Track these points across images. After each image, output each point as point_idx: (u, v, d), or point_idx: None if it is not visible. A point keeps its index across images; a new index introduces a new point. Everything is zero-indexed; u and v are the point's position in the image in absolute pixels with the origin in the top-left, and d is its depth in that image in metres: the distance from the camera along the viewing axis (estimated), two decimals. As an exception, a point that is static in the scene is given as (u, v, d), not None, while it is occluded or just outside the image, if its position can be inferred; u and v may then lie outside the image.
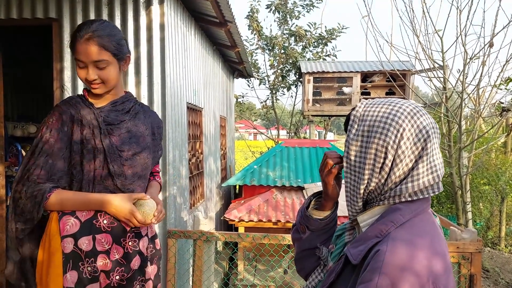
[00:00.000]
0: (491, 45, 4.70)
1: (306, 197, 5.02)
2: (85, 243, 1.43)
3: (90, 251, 1.43)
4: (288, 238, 2.85)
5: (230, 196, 6.87)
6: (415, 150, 0.88)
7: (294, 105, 9.19)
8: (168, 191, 3.00)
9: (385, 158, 0.88)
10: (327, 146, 5.95)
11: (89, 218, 1.46)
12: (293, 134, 9.32)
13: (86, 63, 1.42)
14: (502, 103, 4.27)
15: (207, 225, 3.03)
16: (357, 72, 7.19)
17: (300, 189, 5.23)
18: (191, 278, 2.99)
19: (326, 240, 1.12)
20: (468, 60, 4.77)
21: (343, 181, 1.04)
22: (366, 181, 0.90)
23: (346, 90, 7.15)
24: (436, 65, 5.20)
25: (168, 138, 3.05)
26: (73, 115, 1.47)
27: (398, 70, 6.09)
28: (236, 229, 4.69)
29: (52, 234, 1.45)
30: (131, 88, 2.98)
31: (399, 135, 0.87)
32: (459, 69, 4.92)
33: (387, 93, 7.47)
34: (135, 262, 1.54)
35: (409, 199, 0.89)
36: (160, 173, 2.95)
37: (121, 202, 1.45)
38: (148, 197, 1.54)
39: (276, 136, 9.37)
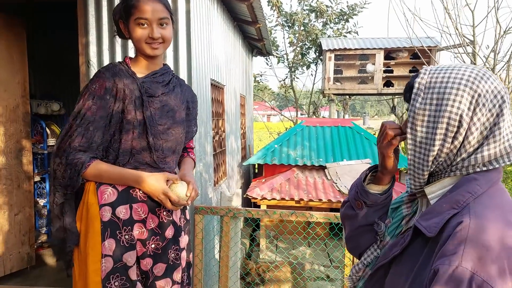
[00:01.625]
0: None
1: (328, 177, 4.97)
2: (122, 211, 1.42)
3: (127, 220, 1.43)
4: (316, 216, 2.82)
5: (250, 175, 6.87)
6: (490, 116, 0.81)
7: (314, 83, 9.01)
8: (195, 168, 2.98)
9: (459, 127, 0.81)
10: (349, 125, 5.83)
11: (126, 187, 1.45)
12: (311, 113, 9.18)
13: (150, 21, 1.41)
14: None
15: (234, 201, 3.01)
16: (381, 48, 6.95)
17: (322, 168, 5.17)
18: (217, 254, 3.00)
19: (383, 215, 1.06)
20: (502, 33, 4.53)
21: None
22: (435, 152, 0.84)
23: (369, 68, 6.94)
24: (466, 40, 4.97)
25: (194, 114, 3.01)
26: (116, 83, 1.44)
27: (424, 46, 5.86)
28: (258, 207, 4.69)
29: (90, 203, 1.44)
30: (156, 63, 2.92)
31: (474, 101, 0.80)
32: (488, 45, 4.68)
33: (410, 71, 7.23)
34: (169, 232, 1.53)
35: (484, 168, 0.82)
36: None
37: (156, 182, 1.43)
38: (179, 181, 1.52)
39: (295, 116, 9.25)
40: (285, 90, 8.87)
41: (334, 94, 7.10)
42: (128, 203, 1.44)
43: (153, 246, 1.48)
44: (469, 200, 0.79)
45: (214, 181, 3.90)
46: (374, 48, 6.94)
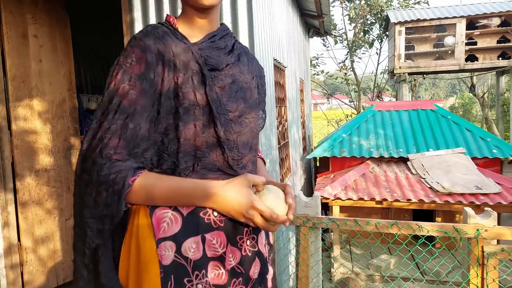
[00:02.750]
0: None
1: (412, 171, 4.15)
2: (192, 247, 0.92)
3: (200, 260, 0.92)
4: (427, 228, 2.10)
5: (310, 169, 6.19)
6: None
7: (378, 63, 8.04)
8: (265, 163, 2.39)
9: None
10: (432, 108, 4.92)
11: (193, 209, 0.94)
12: (375, 98, 8.22)
13: None
14: None
15: (313, 208, 2.38)
16: (462, 17, 5.87)
17: (403, 160, 4.36)
18: (293, 274, 2.41)
19: None
20: None
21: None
22: None
23: (448, 40, 5.90)
24: None
25: (258, 100, 2.41)
26: (162, 53, 0.93)
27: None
28: (328, 208, 4.03)
29: (142, 237, 0.93)
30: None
31: None
32: None
33: (498, 41, 6.07)
34: (255, 269, 1.04)
35: None
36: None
37: (237, 193, 0.91)
38: (265, 186, 0.96)
39: (357, 100, 8.33)
40: (345, 73, 7.99)
41: (407, 73, 6.16)
42: (200, 233, 0.93)
43: None
44: None
45: (280, 179, 3.29)
46: (454, 17, 5.88)
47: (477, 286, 2.08)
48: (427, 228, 2.12)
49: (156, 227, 0.90)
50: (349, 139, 4.73)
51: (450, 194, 3.54)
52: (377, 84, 8.29)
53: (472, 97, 8.70)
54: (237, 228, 0.98)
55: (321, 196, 3.81)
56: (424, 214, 4.18)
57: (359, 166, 4.36)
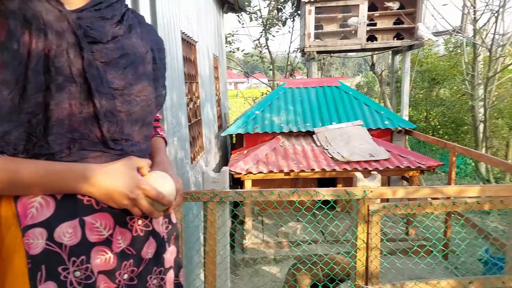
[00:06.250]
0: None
1: (317, 143, 4.46)
2: (68, 233, 0.85)
3: (78, 245, 0.86)
4: (323, 193, 2.31)
5: (227, 146, 6.27)
6: None
7: (291, 42, 8.31)
8: (168, 143, 2.35)
9: None
10: (336, 85, 5.30)
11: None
12: (288, 76, 8.54)
13: None
14: None
15: (220, 183, 2.44)
16: (364, -2, 6.32)
17: (309, 134, 4.66)
18: (202, 248, 2.46)
19: None
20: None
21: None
22: None
23: (351, 20, 6.33)
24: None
25: (161, 76, 2.33)
26: (29, 20, 0.82)
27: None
28: (241, 183, 4.15)
29: (4, 227, 0.84)
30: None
31: None
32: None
33: (395, 23, 6.70)
34: (148, 249, 1.01)
35: None
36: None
37: (121, 174, 0.87)
38: (153, 171, 0.96)
39: (272, 79, 8.56)
40: (260, 51, 8.12)
41: (315, 52, 6.49)
42: (77, 216, 0.86)
43: (125, 276, 0.94)
44: None
45: (191, 157, 3.28)
46: (357, -2, 6.30)
47: (363, 240, 2.37)
48: (323, 193, 2.33)
49: (22, 214, 0.81)
50: (262, 116, 4.88)
51: (348, 162, 3.91)
52: (290, 63, 8.61)
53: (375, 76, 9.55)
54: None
55: (234, 171, 3.91)
56: (328, 182, 4.56)
57: (271, 141, 4.55)
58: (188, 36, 3.24)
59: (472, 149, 4.60)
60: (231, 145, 6.28)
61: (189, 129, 3.26)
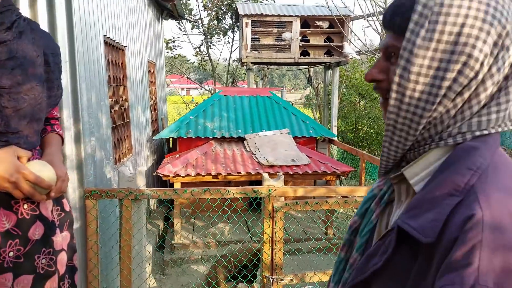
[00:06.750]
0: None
1: (247, 148, 4.71)
2: None
3: None
4: (232, 191, 2.52)
5: (164, 151, 6.32)
6: (508, 66, 0.56)
7: (231, 52, 8.59)
8: (84, 142, 2.42)
9: (472, 79, 0.54)
10: (268, 95, 5.62)
11: None
12: (230, 85, 8.79)
13: None
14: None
15: (135, 182, 2.55)
16: (297, 16, 6.78)
17: (241, 140, 4.90)
18: (118, 244, 2.55)
19: None
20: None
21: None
22: (432, 111, 0.56)
23: (285, 36, 6.75)
24: (379, 9, 5.01)
25: (79, 77, 2.41)
26: None
27: (337, 15, 5.82)
28: (172, 186, 4.26)
29: None
30: (24, 8, 2.23)
31: (499, 43, 0.54)
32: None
33: (325, 40, 7.24)
34: (35, 231, 1.14)
35: (485, 132, 0.57)
36: (71, 120, 2.35)
37: (1, 160, 1.01)
38: (36, 160, 1.08)
39: (213, 87, 8.76)
40: (201, 59, 8.29)
41: (252, 63, 6.80)
42: None
43: (11, 254, 1.08)
44: (472, 180, 0.52)
45: (115, 158, 3.34)
46: (291, 15, 6.74)
47: (268, 234, 2.61)
48: (232, 191, 2.54)
49: None
50: (196, 121, 5.03)
51: (271, 167, 4.19)
52: (232, 71, 8.88)
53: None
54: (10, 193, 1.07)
55: (162, 173, 4.01)
56: (257, 185, 4.81)
57: (203, 146, 4.71)
58: (114, 40, 3.32)
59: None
60: (168, 149, 6.34)
61: (114, 131, 3.32)
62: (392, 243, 0.55)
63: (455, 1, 0.53)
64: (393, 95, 0.57)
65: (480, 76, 0.54)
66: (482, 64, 0.53)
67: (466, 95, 0.55)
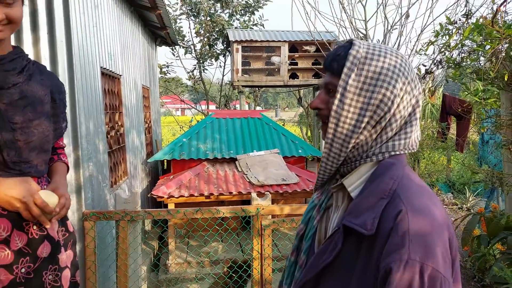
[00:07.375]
0: (407, 16, 4.93)
1: (238, 168, 4.89)
2: None
3: None
4: (222, 211, 2.68)
5: (158, 172, 6.47)
6: (414, 102, 0.81)
7: (223, 75, 8.89)
8: (82, 167, 2.60)
9: (386, 112, 0.77)
10: (258, 117, 5.84)
11: None
12: (223, 106, 9.05)
13: None
14: (425, 65, 4.50)
15: (131, 204, 2.71)
16: (285, 41, 7.10)
17: (233, 160, 5.08)
18: (115, 263, 2.68)
19: None
20: (389, 28, 4.94)
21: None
22: (359, 133, 0.78)
23: (274, 60, 7.05)
24: (360, 35, 5.32)
25: (78, 107, 2.61)
26: None
27: (323, 40, 6.14)
28: (166, 206, 4.40)
29: None
30: (28, 47, 2.45)
31: (404, 87, 0.78)
32: (378, 39, 5.08)
33: (313, 63, 7.56)
34: (43, 249, 1.29)
35: (399, 152, 0.80)
36: (71, 148, 2.53)
37: (16, 184, 1.19)
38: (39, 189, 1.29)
39: (206, 109, 9.01)
40: (194, 82, 8.57)
41: (243, 86, 7.06)
42: None
43: (23, 270, 1.22)
44: (394, 186, 0.74)
45: (111, 181, 3.50)
46: (279, 41, 7.06)
47: (258, 251, 2.76)
48: (223, 211, 2.70)
49: None
50: (189, 143, 5.22)
51: (262, 186, 4.36)
52: (225, 94, 9.15)
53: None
54: (22, 215, 1.25)
55: (156, 195, 4.16)
56: (247, 204, 4.95)
57: (196, 167, 4.88)
58: (110, 70, 3.54)
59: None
60: (162, 171, 6.49)
61: (110, 155, 3.49)
62: (340, 239, 0.74)
63: (375, 56, 0.77)
64: (331, 120, 0.79)
65: (392, 111, 0.77)
66: (393, 102, 0.76)
67: (383, 124, 0.77)
